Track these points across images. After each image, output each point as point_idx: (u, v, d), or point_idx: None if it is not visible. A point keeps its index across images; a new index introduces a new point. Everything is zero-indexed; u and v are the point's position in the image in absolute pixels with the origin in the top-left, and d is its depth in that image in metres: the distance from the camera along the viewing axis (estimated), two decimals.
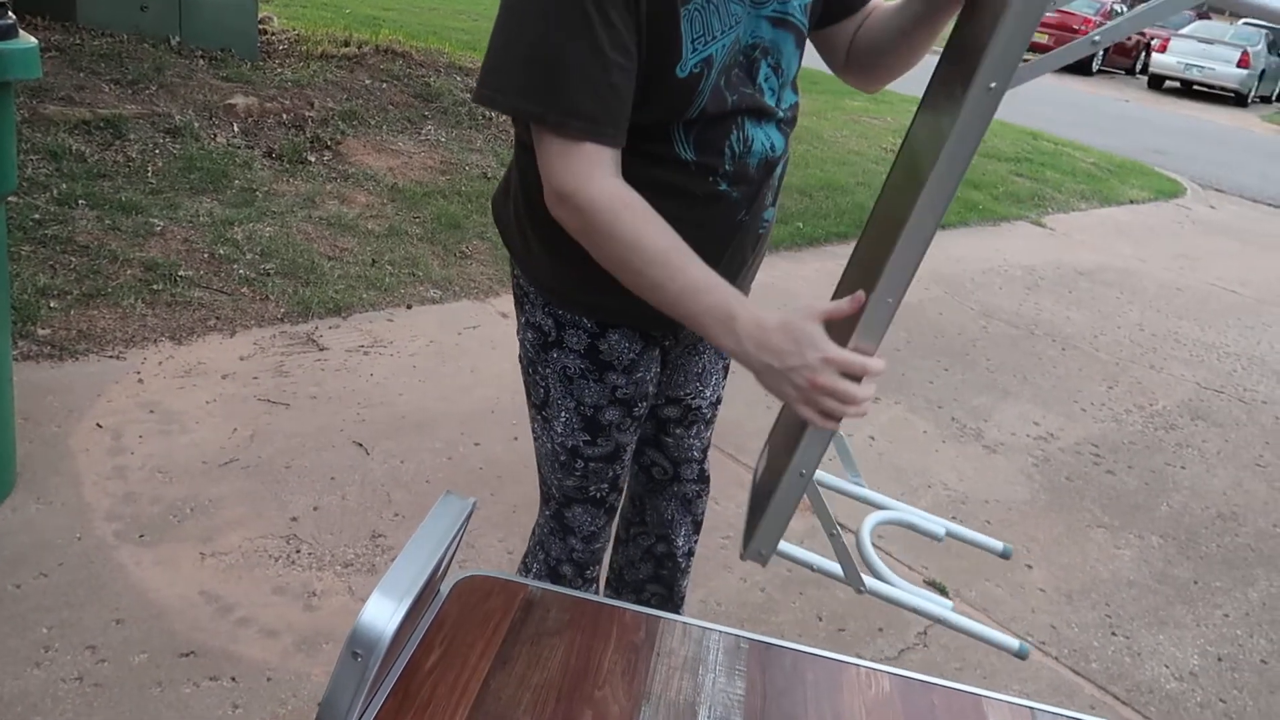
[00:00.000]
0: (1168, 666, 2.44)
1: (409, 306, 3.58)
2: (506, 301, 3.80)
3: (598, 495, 1.47)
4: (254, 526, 2.30)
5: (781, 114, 1.25)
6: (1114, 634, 2.54)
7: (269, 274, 3.54)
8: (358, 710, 0.86)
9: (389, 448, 2.71)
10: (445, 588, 1.14)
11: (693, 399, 1.58)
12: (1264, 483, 3.49)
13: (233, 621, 2.00)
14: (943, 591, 2.57)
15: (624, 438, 1.42)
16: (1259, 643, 2.61)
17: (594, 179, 1.04)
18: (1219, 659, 2.51)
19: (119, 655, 1.87)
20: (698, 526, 1.75)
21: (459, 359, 3.28)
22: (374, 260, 3.83)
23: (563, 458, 1.42)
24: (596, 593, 1.71)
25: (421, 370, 3.16)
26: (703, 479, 1.70)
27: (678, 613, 1.69)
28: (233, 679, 1.86)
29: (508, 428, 2.92)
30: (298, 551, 2.24)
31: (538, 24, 1.00)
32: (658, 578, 1.77)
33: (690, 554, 1.77)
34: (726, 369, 1.63)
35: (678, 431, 1.61)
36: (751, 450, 3.02)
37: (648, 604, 1.80)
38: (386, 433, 2.77)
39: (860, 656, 2.27)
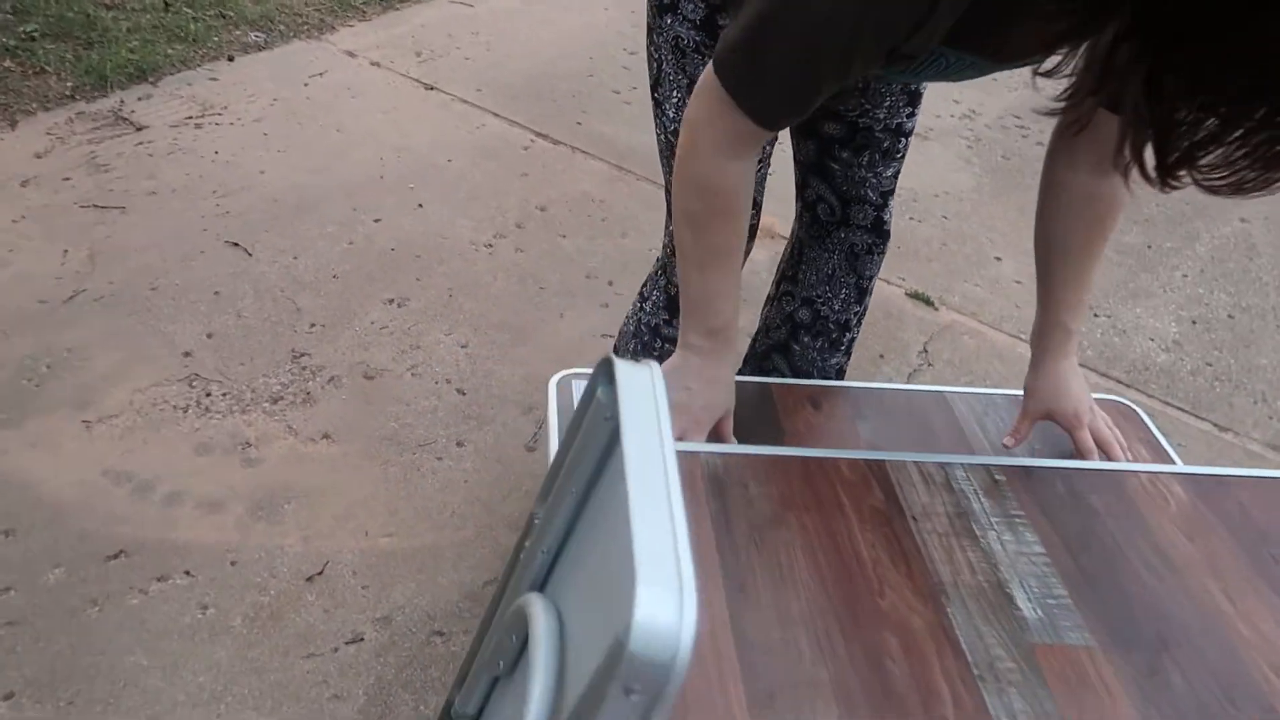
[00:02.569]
0: (1153, 339, 2.39)
1: (230, 59, 2.86)
2: (347, 36, 3.11)
3: None
4: (140, 373, 1.80)
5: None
6: (1096, 315, 2.45)
7: (33, 38, 2.71)
8: None
9: (272, 243, 2.18)
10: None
11: (859, 117, 1.29)
12: None
13: (159, 501, 1.58)
14: (928, 302, 2.39)
15: None
16: (1220, 297, 2.59)
17: (734, 155, 0.98)
18: (1193, 322, 2.48)
19: (26, 579, 1.44)
20: (862, 294, 1.43)
21: (317, 117, 2.67)
22: (167, 3, 3.01)
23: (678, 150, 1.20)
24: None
25: (276, 137, 2.55)
26: (878, 230, 1.38)
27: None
28: (187, 573, 1.48)
29: (406, 194, 2.42)
30: (207, 394, 1.78)
31: (793, 31, 0.88)
32: (787, 349, 1.48)
33: (846, 327, 1.46)
34: (912, 96, 1.30)
35: (844, 155, 1.32)
36: None
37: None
38: (262, 224, 2.23)
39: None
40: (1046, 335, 1.17)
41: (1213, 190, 0.73)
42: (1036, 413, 1.19)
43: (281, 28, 3.05)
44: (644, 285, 1.48)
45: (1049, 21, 0.82)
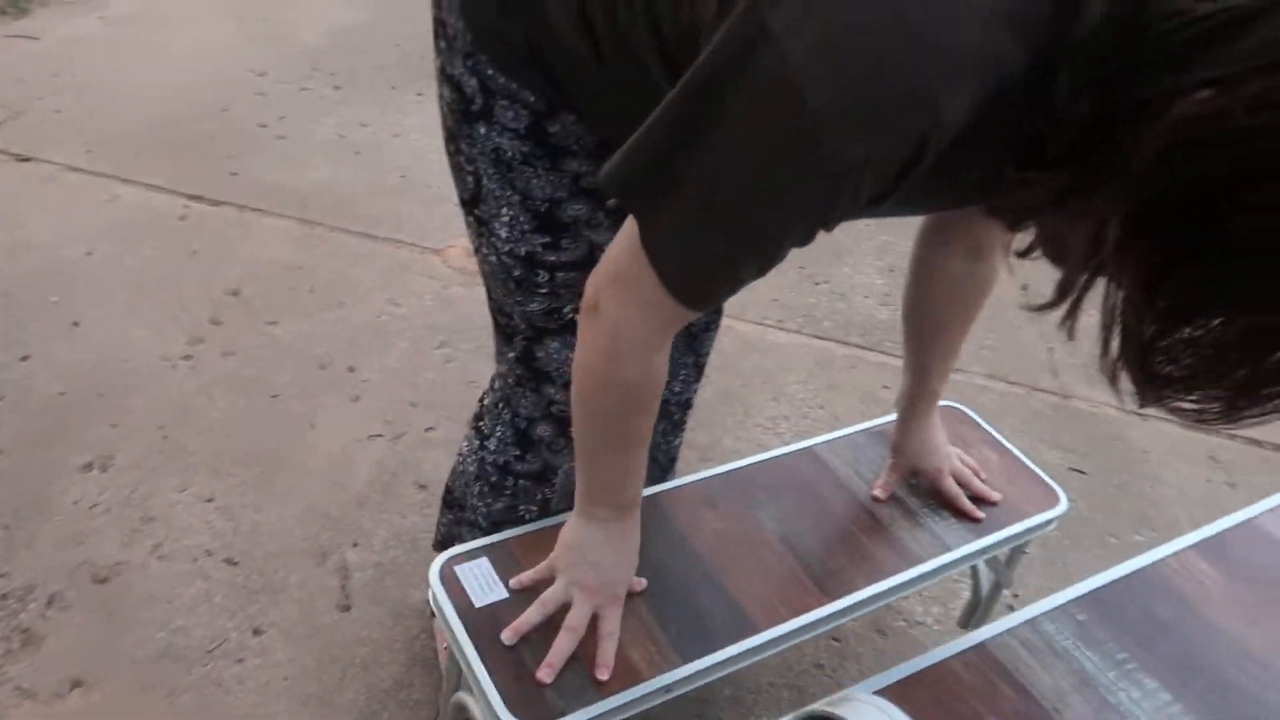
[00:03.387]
0: (868, 296, 2.55)
1: None
2: None
3: (576, 319, 1.04)
4: None
5: None
6: (816, 284, 2.56)
7: None
8: None
9: None
10: None
11: None
12: None
13: None
14: None
15: (599, 236, 1.06)
16: (904, 244, 2.82)
17: (662, 349, 0.88)
18: (891, 270, 2.68)
19: None
20: (700, 370, 1.38)
21: None
22: None
23: (516, 272, 1.07)
24: None
25: None
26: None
27: (664, 479, 1.37)
28: None
29: (50, 311, 1.91)
30: None
31: (748, 187, 0.70)
32: None
33: (688, 406, 1.41)
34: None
35: None
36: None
37: None
38: None
39: None
40: (916, 400, 1.27)
41: (1201, 420, 0.59)
42: (904, 469, 1.32)
43: None
44: (478, 420, 1.28)
45: (1012, 193, 0.73)
